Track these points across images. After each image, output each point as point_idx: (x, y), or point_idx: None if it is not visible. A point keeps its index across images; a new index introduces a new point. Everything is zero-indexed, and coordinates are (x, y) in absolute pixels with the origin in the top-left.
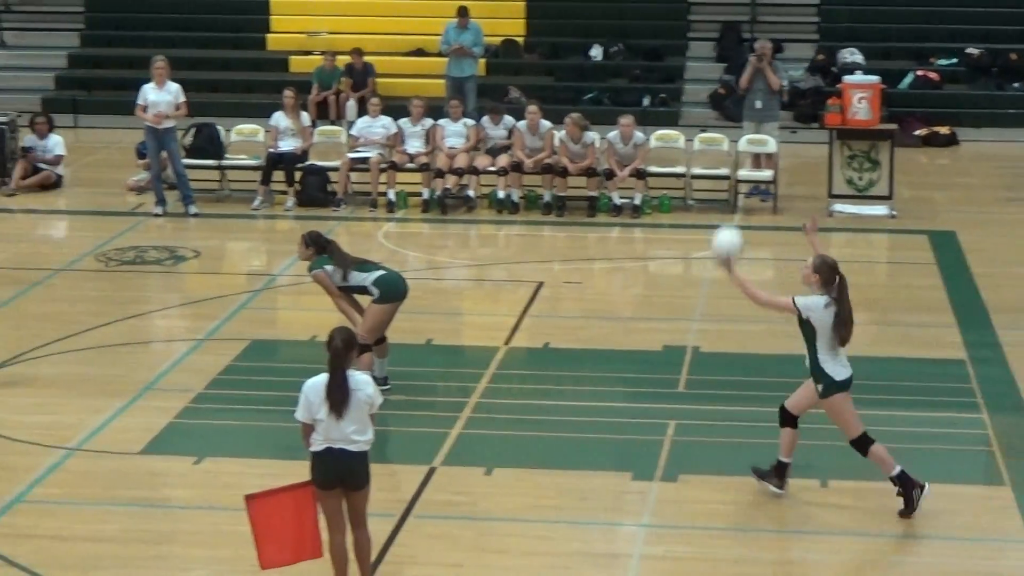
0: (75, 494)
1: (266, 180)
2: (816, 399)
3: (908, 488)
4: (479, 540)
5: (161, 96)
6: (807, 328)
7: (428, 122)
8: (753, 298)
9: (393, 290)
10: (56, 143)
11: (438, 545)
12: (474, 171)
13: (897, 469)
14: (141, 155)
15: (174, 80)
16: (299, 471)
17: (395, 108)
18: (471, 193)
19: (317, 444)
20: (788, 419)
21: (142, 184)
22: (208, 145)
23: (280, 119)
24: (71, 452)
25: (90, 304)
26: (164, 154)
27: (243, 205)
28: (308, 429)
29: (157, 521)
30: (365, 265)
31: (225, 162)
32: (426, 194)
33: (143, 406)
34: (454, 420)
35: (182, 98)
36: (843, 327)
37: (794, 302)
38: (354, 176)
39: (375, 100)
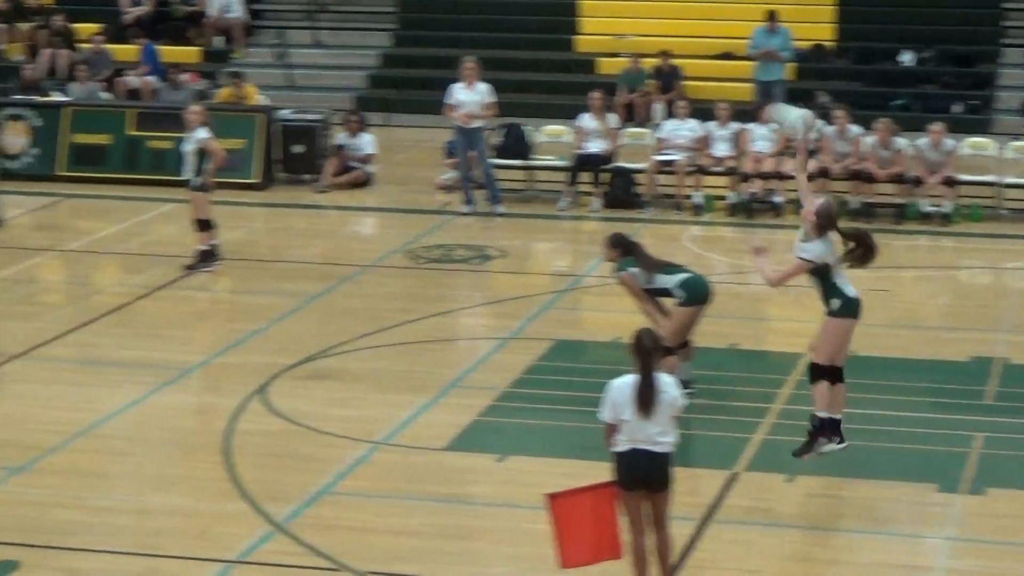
0: (380, 488)
1: (573, 181)
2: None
3: (819, 434)
4: (779, 548)
5: (470, 96)
6: (823, 270)
7: (735, 126)
8: (767, 278)
9: (698, 293)
10: (367, 141)
11: (737, 551)
12: (781, 176)
13: (824, 415)
14: (450, 154)
15: (483, 80)
16: (600, 471)
17: (702, 111)
18: (778, 198)
19: (621, 445)
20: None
21: (451, 183)
22: (516, 145)
23: (587, 120)
24: (376, 446)
25: (397, 300)
26: (472, 153)
27: (549, 205)
28: (611, 429)
29: (460, 517)
30: (670, 268)
31: (532, 162)
32: (732, 198)
33: (448, 403)
34: (757, 425)
35: (491, 98)
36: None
37: (802, 260)
38: (660, 179)
39: (682, 103)
